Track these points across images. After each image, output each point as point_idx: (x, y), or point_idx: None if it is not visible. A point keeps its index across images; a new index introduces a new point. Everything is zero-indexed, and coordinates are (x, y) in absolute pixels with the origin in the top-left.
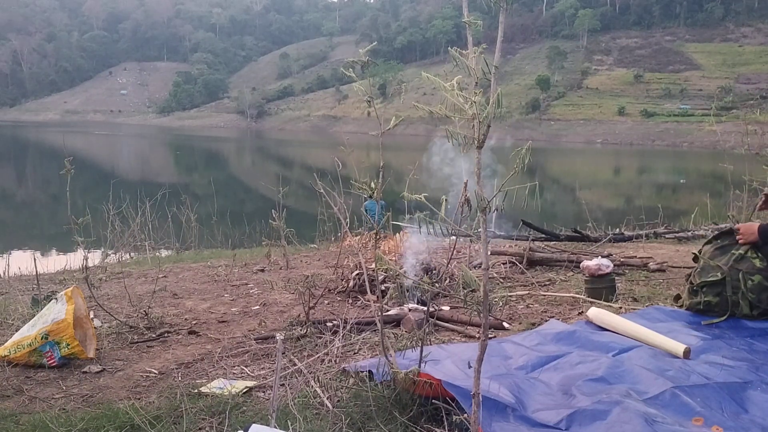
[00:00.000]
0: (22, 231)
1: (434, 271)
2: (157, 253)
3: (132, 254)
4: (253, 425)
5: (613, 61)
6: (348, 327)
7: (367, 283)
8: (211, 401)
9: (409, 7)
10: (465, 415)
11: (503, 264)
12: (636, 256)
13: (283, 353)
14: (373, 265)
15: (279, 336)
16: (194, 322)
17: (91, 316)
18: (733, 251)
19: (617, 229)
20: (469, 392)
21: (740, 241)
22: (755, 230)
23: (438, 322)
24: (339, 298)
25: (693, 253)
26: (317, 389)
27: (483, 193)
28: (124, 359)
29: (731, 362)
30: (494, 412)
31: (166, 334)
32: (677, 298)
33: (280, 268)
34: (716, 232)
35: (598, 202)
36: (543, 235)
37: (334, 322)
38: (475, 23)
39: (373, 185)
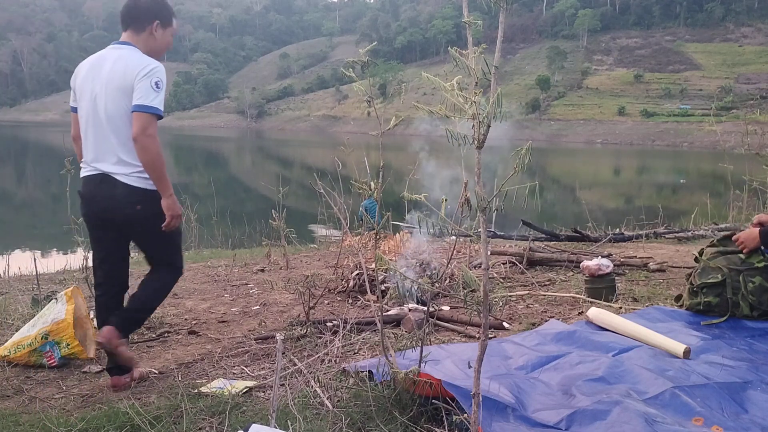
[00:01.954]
0: (22, 231)
1: (434, 271)
2: None
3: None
4: (253, 425)
5: (613, 61)
6: (348, 327)
7: (367, 283)
8: (211, 401)
9: (409, 7)
10: (465, 415)
11: (503, 264)
12: (636, 256)
13: (283, 353)
14: (373, 265)
15: (279, 336)
16: (194, 322)
17: (91, 316)
18: (731, 256)
19: (617, 229)
20: (469, 392)
21: (744, 250)
22: (756, 235)
23: (438, 322)
24: (339, 298)
25: (694, 255)
26: (317, 389)
27: (483, 193)
28: None
29: (731, 362)
30: (494, 412)
31: (166, 334)
32: (678, 298)
33: (280, 268)
34: (719, 236)
35: (598, 202)
36: (543, 235)
37: (334, 322)
38: (475, 23)
39: (372, 185)
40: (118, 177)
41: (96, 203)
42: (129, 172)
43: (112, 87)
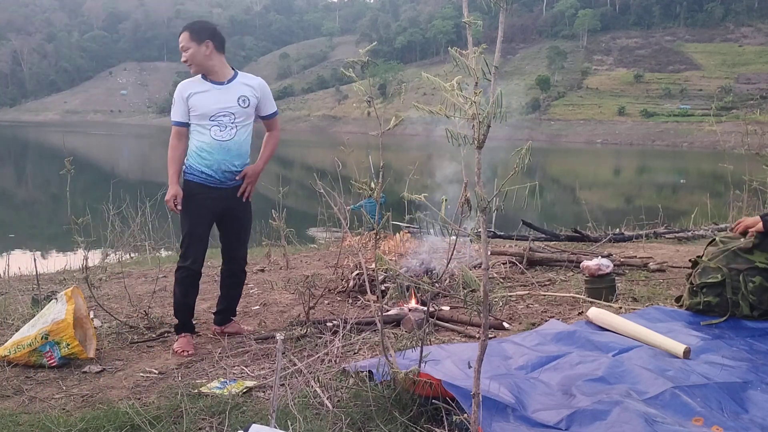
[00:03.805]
0: (22, 231)
1: (434, 272)
2: (157, 253)
3: (132, 254)
4: (253, 425)
5: (613, 61)
6: (348, 327)
7: (367, 283)
8: (211, 401)
9: (409, 7)
10: (465, 415)
11: (503, 264)
12: (636, 256)
13: (283, 353)
14: (373, 265)
15: (279, 336)
16: (194, 322)
17: (91, 316)
18: (732, 254)
19: (617, 229)
20: (469, 392)
21: (739, 230)
22: (759, 220)
23: (438, 322)
24: (339, 298)
25: (690, 260)
26: (317, 389)
27: (483, 193)
28: (124, 359)
29: (731, 362)
30: (494, 412)
31: (166, 334)
32: (679, 299)
33: (280, 268)
34: (722, 235)
35: (598, 202)
36: (543, 235)
37: (334, 322)
38: (475, 23)
39: (372, 185)
40: None
41: None
42: None
43: None
